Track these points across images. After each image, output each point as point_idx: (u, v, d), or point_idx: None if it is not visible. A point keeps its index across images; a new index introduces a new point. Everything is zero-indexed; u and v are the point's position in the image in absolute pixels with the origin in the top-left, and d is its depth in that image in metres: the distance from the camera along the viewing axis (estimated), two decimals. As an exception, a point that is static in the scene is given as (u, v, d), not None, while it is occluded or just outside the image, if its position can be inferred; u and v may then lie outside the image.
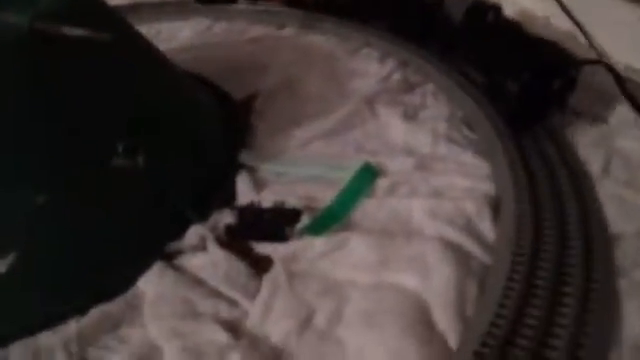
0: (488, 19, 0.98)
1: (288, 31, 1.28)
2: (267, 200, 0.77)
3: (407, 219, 0.74)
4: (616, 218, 0.72)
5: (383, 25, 1.20)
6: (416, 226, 0.73)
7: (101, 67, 0.68)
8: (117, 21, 0.81)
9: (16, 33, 0.60)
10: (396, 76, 1.06)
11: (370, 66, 1.11)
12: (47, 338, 0.61)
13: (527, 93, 0.85)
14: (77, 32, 0.58)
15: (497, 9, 1.00)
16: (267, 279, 0.67)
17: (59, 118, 0.64)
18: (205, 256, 0.70)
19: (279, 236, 0.71)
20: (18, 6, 0.63)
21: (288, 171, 0.84)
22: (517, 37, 0.93)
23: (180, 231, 0.71)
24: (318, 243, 0.70)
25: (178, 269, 0.68)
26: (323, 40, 1.23)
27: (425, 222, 0.73)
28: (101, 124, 0.68)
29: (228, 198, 0.79)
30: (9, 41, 0.61)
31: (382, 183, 0.80)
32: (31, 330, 0.61)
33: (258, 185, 0.81)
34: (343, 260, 0.69)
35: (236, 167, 0.84)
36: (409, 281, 0.65)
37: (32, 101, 0.63)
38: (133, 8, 1.38)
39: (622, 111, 0.88)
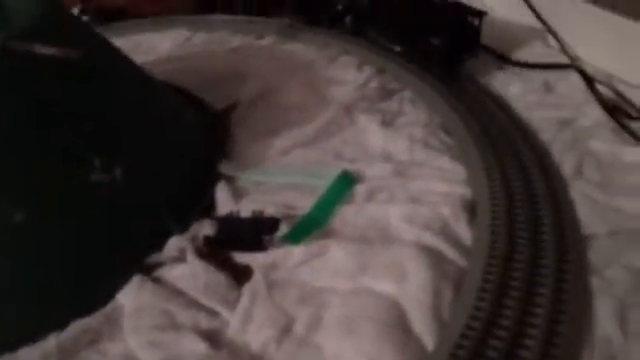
0: None
1: (267, 40, 1.29)
2: (246, 209, 0.77)
3: (385, 225, 0.75)
4: (589, 219, 0.73)
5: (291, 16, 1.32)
6: (394, 232, 0.74)
7: (76, 83, 0.68)
8: (91, 36, 0.82)
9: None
10: (373, 83, 1.07)
11: (348, 74, 1.12)
12: (27, 353, 0.61)
13: (448, 45, 1.04)
14: (49, 51, 0.59)
15: None
16: (247, 288, 0.67)
17: (34, 136, 0.65)
18: (184, 267, 0.70)
19: (258, 245, 0.72)
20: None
21: (267, 180, 0.85)
22: (424, 4, 1.11)
23: (160, 243, 0.72)
24: (297, 251, 0.71)
25: (157, 281, 0.68)
26: (302, 48, 1.24)
27: (403, 227, 0.74)
28: (77, 140, 0.68)
29: (207, 208, 0.80)
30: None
31: (360, 189, 0.81)
32: (10, 346, 0.61)
33: (237, 194, 0.82)
34: (322, 267, 0.70)
35: (215, 177, 0.84)
36: (386, 287, 0.66)
37: (6, 120, 0.63)
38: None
39: (593, 114, 0.90)
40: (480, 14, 1.04)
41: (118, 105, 0.76)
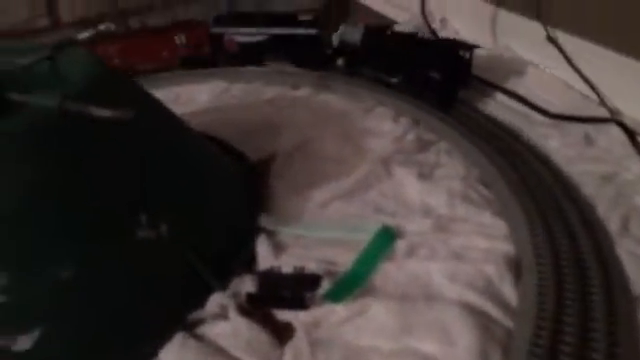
0: (386, 34, 1.28)
1: (303, 91, 1.31)
2: (287, 264, 0.77)
3: (427, 282, 0.74)
4: (637, 278, 0.71)
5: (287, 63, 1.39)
6: (436, 290, 0.73)
7: (124, 142, 0.70)
8: (138, 93, 0.84)
9: (46, 116, 0.63)
10: (410, 135, 1.07)
11: (384, 125, 1.13)
12: (71, 413, 0.61)
13: (445, 78, 1.12)
14: (104, 113, 0.60)
15: (390, 26, 1.39)
16: (289, 347, 0.67)
17: (84, 194, 0.66)
18: (226, 324, 0.70)
19: (300, 303, 0.71)
20: (47, 86, 0.66)
21: (307, 234, 0.85)
22: (417, 42, 1.23)
23: (202, 300, 0.72)
24: (339, 309, 0.70)
25: (199, 339, 0.68)
26: (337, 99, 1.26)
27: (445, 285, 0.73)
28: (124, 197, 0.69)
29: (248, 263, 0.80)
30: (39, 123, 0.64)
31: (401, 245, 0.80)
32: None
33: (278, 249, 0.82)
34: (365, 326, 0.69)
35: (256, 231, 0.85)
36: (431, 347, 0.65)
37: (58, 179, 0.65)
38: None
39: (636, 168, 0.89)
40: (471, 48, 1.15)
41: (164, 160, 0.78)
